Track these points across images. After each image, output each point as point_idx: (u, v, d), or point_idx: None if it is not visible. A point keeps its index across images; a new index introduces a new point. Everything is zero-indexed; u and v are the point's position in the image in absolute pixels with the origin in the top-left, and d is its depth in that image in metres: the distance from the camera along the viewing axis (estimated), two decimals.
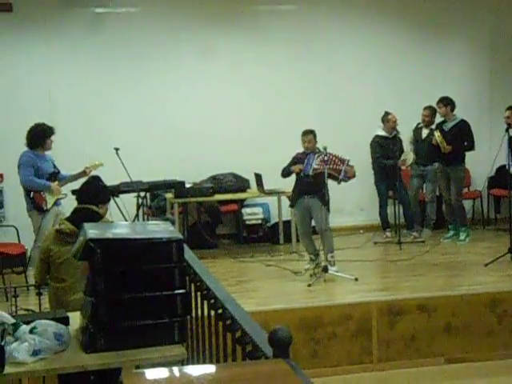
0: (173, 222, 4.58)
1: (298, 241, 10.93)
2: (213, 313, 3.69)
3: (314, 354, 8.26)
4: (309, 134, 9.60)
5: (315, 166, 9.33)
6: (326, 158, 9.25)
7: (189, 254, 4.17)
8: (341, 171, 9.28)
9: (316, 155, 9.38)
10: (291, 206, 9.91)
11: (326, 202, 9.29)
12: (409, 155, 11.34)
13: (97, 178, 6.48)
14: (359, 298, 8.61)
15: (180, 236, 4.00)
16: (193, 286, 4.10)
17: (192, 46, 11.88)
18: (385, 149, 11.29)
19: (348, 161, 9.32)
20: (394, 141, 11.25)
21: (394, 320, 8.43)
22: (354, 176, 9.46)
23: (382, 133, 11.38)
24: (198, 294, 4.02)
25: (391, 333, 8.41)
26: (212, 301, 3.66)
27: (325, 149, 9.27)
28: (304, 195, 9.50)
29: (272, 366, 2.31)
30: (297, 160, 9.64)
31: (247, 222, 11.69)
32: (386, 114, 11.35)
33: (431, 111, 11.44)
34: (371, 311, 8.39)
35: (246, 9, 12.02)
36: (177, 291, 3.87)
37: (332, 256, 9.50)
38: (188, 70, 11.86)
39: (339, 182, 9.43)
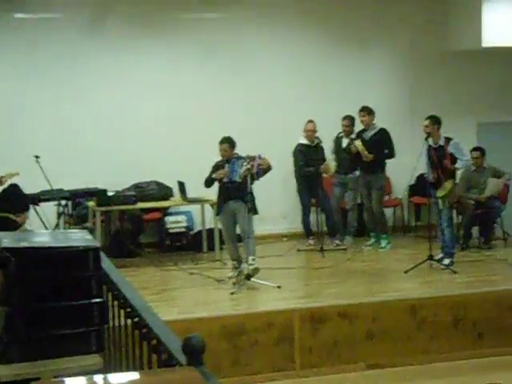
0: (91, 231, 4.53)
1: (221, 249, 10.96)
2: (129, 322, 3.65)
3: (237, 362, 8.25)
4: (223, 143, 9.60)
5: (243, 172, 9.34)
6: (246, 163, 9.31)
7: (106, 263, 4.12)
8: (253, 166, 9.31)
9: (240, 161, 9.39)
10: (217, 214, 9.92)
11: (250, 207, 9.35)
12: (330, 164, 11.46)
13: (15, 186, 6.37)
14: (282, 305, 8.64)
15: (97, 244, 3.94)
16: (110, 294, 4.06)
17: (113, 51, 11.82)
18: (307, 157, 11.37)
19: (259, 155, 9.36)
20: (316, 149, 11.34)
21: (316, 327, 8.48)
22: (268, 167, 9.50)
23: (305, 141, 11.46)
24: (115, 302, 3.98)
25: (313, 340, 8.46)
26: (128, 309, 3.63)
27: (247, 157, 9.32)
28: (229, 200, 9.54)
29: (183, 374, 2.31)
30: (217, 168, 9.65)
31: (170, 231, 11.61)
32: (307, 122, 11.46)
33: (350, 120, 11.59)
34: (294, 318, 8.43)
35: (168, 16, 11.98)
36: (93, 300, 3.82)
37: (253, 259, 9.50)
38: (109, 77, 11.78)
39: (256, 178, 9.44)
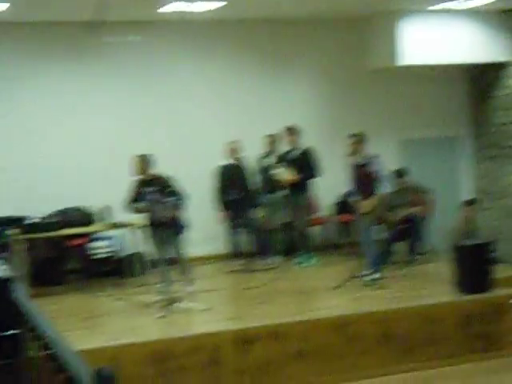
0: (7, 260, 4.41)
1: (148, 273, 10.85)
2: (43, 353, 3.53)
3: None
4: (137, 157, 9.58)
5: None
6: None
7: (21, 293, 4.00)
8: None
9: (155, 194, 9.39)
10: (152, 237, 9.82)
11: (180, 231, 9.47)
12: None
13: None
14: (211, 327, 8.55)
15: (11, 274, 3.84)
16: (24, 326, 3.93)
17: (35, 79, 11.64)
18: (229, 178, 11.34)
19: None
20: (240, 169, 11.33)
21: (246, 348, 8.40)
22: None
23: (228, 161, 11.42)
24: (29, 334, 3.86)
25: (244, 361, 8.38)
26: (42, 341, 3.52)
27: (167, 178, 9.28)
28: (159, 227, 9.51)
29: None
30: (136, 194, 9.57)
31: (96, 256, 11.40)
32: (230, 143, 11.43)
33: (273, 138, 11.63)
34: (223, 340, 8.34)
35: (92, 41, 11.83)
36: (8, 332, 3.71)
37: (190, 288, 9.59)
38: (32, 103, 11.61)
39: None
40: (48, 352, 3.31)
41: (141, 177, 9.56)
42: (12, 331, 3.70)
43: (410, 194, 11.57)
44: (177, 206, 9.31)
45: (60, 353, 3.04)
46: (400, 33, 12.16)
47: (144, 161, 9.55)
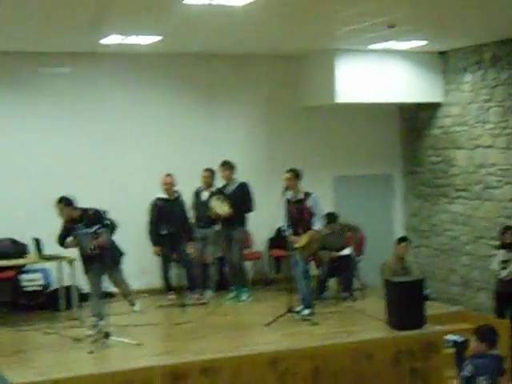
0: None
1: (79, 306, 10.69)
2: None
3: None
4: (58, 204, 9.46)
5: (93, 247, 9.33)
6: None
7: None
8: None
9: (87, 235, 9.34)
10: (85, 271, 9.71)
11: (116, 262, 9.64)
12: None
13: None
14: (142, 362, 8.44)
15: None
16: None
17: None
18: (164, 212, 11.29)
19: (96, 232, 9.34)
20: (175, 203, 11.29)
21: None
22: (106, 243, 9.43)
23: (163, 195, 11.37)
24: None
25: None
26: None
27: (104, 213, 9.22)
28: (92, 264, 9.48)
29: None
30: (67, 231, 9.51)
31: (26, 289, 11.21)
32: (165, 176, 11.38)
33: (211, 173, 11.63)
34: (154, 376, 8.24)
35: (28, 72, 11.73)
36: None
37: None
38: None
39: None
40: None
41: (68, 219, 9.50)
42: None
43: (343, 235, 11.66)
44: (105, 234, 9.24)
45: None
46: (337, 71, 12.34)
47: (66, 205, 9.44)
